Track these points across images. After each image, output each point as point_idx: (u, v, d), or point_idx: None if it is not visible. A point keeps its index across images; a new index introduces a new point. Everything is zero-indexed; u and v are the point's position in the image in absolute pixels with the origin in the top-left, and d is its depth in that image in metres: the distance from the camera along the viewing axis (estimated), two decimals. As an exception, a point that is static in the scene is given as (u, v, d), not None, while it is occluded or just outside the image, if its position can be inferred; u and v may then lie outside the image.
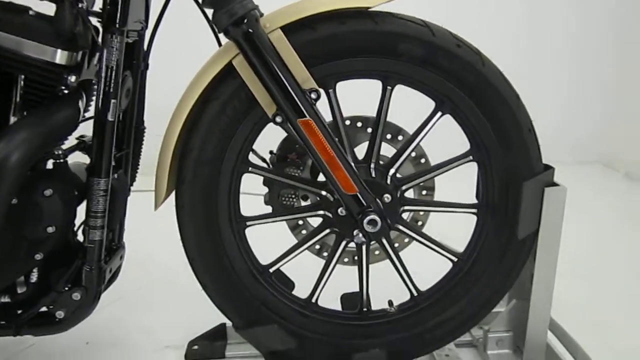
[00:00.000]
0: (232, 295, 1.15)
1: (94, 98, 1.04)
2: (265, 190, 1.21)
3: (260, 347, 1.18)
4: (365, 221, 1.04)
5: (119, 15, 1.00)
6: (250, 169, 1.13)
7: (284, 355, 1.18)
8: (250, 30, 0.98)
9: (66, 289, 1.08)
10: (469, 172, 1.23)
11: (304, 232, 1.23)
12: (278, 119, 1.03)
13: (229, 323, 1.31)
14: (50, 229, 1.02)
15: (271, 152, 1.23)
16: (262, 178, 1.18)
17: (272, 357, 1.19)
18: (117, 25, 1.00)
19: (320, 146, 1.01)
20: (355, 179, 1.04)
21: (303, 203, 1.21)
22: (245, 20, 0.97)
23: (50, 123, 0.97)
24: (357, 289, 1.21)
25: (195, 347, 1.33)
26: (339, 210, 1.11)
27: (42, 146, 0.96)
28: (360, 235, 1.08)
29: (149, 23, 1.15)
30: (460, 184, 1.45)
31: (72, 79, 1.00)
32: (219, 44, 1.14)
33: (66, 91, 1.00)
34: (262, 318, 1.16)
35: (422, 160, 1.20)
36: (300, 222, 1.23)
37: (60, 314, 1.09)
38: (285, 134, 1.16)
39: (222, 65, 1.04)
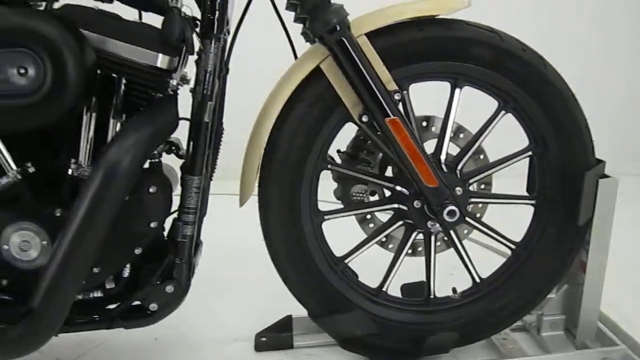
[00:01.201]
0: (312, 286, 1.22)
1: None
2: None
3: (337, 334, 1.25)
4: (445, 212, 1.13)
5: (217, 22, 1.07)
6: (329, 166, 1.20)
7: (359, 341, 1.25)
8: (344, 39, 1.06)
9: (159, 282, 1.14)
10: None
11: (371, 225, 1.31)
12: (364, 119, 1.11)
13: (295, 314, 1.39)
14: (153, 224, 1.08)
15: (339, 151, 1.30)
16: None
17: (346, 344, 1.26)
18: (215, 32, 1.07)
19: (406, 142, 1.10)
20: (435, 173, 1.13)
21: (371, 198, 1.29)
22: (339, 28, 1.05)
23: (156, 125, 1.03)
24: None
25: (264, 338, 1.39)
26: (415, 203, 1.19)
27: (152, 148, 1.03)
28: (437, 225, 1.17)
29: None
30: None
31: (174, 82, 1.06)
32: (294, 52, 1.22)
33: (166, 94, 1.07)
34: (339, 306, 1.23)
35: (481, 157, 1.29)
36: (369, 215, 1.31)
37: (153, 307, 1.14)
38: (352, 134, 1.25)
39: (310, 69, 1.11)
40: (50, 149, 1.15)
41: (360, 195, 1.28)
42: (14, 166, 1.08)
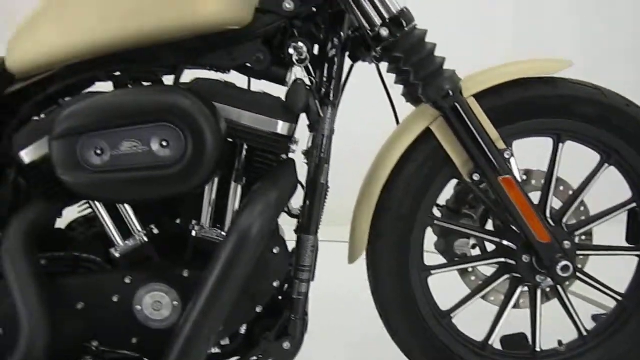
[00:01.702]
0: (421, 340, 1.24)
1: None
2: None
3: (445, 388, 1.26)
4: (558, 267, 1.14)
5: (333, 90, 1.13)
6: (435, 222, 1.24)
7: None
8: (457, 104, 1.10)
9: (276, 339, 1.17)
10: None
11: (472, 277, 1.33)
12: (475, 177, 1.15)
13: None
14: (275, 284, 1.12)
15: (438, 206, 1.33)
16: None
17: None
18: (332, 99, 1.13)
19: (519, 200, 1.12)
20: (547, 229, 1.14)
21: (472, 251, 1.31)
22: (452, 94, 1.10)
23: (282, 189, 1.08)
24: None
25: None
26: (523, 258, 1.20)
27: (280, 211, 1.08)
28: (548, 280, 1.18)
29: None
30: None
31: (294, 147, 1.12)
32: (396, 114, 1.27)
33: (285, 158, 1.12)
34: (447, 360, 1.25)
35: (582, 208, 1.31)
36: (470, 269, 1.33)
37: (271, 363, 1.17)
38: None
39: (420, 131, 1.16)
40: (171, 210, 1.22)
41: (464, 248, 1.30)
42: (140, 228, 1.15)
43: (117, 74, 1.15)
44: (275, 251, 1.11)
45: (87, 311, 1.12)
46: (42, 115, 1.16)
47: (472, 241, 1.30)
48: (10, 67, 1.13)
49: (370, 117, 1.80)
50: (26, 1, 1.16)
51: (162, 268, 1.13)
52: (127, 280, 1.12)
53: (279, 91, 1.15)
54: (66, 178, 1.03)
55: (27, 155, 1.11)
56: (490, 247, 1.30)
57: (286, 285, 1.17)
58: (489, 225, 1.31)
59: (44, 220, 1.15)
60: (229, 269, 1.03)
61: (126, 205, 1.14)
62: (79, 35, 1.08)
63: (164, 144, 1.01)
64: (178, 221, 1.22)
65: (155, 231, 1.16)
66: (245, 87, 1.18)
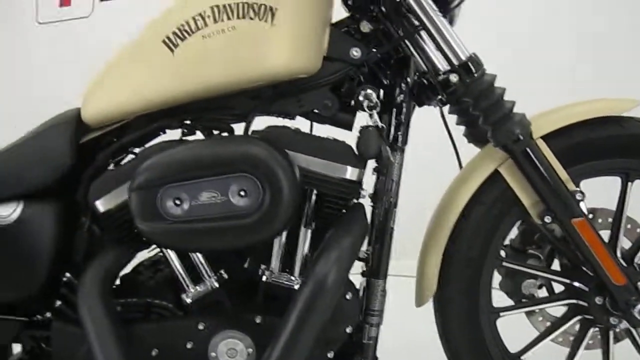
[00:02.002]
0: (495, 385, 1.22)
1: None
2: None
3: None
4: (636, 310, 1.12)
5: (402, 136, 1.14)
6: (503, 263, 1.23)
7: None
8: (528, 148, 1.10)
9: (348, 384, 1.16)
10: None
11: (540, 318, 1.30)
12: (546, 219, 1.14)
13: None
14: (348, 330, 1.12)
15: (503, 246, 1.32)
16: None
17: None
18: (400, 144, 1.14)
19: (594, 242, 1.11)
20: (622, 270, 1.13)
21: (539, 291, 1.29)
22: (522, 138, 1.10)
23: (355, 235, 1.08)
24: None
25: None
26: (596, 299, 1.18)
27: (354, 258, 1.08)
28: (623, 322, 1.16)
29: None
30: None
31: (364, 192, 1.13)
32: (459, 159, 1.28)
33: (355, 203, 1.13)
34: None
35: (647, 247, 1.28)
36: (538, 309, 1.31)
37: (343, 408, 1.17)
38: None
39: (489, 173, 1.16)
40: (239, 255, 1.23)
41: (531, 289, 1.28)
42: (211, 274, 1.16)
43: (187, 122, 1.18)
44: (347, 297, 1.11)
45: (161, 358, 1.13)
46: (115, 165, 1.20)
47: (539, 281, 1.29)
48: (85, 117, 1.17)
49: (427, 155, 1.82)
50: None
51: (235, 314, 1.14)
52: (201, 327, 1.13)
53: (335, 133, 1.17)
54: (145, 228, 1.05)
55: (101, 204, 1.14)
56: (557, 287, 1.28)
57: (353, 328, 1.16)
58: (555, 265, 1.29)
59: (118, 266, 1.18)
60: (307, 316, 1.03)
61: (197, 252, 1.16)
62: (152, 88, 1.11)
63: (242, 193, 1.03)
64: (246, 265, 1.23)
65: (225, 276, 1.18)
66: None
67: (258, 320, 1.12)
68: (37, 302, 1.20)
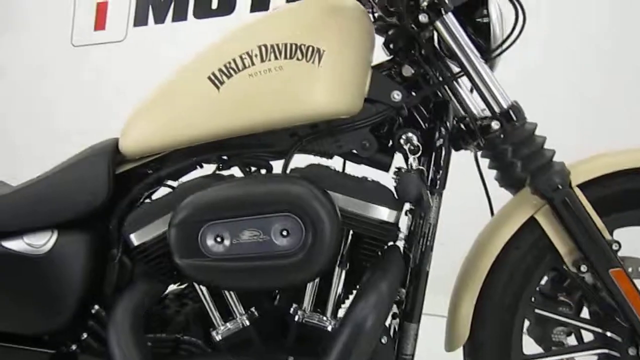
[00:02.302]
0: None
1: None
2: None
3: None
4: None
5: (441, 180, 1.14)
6: (535, 309, 1.22)
7: None
8: (567, 198, 1.11)
9: None
10: None
11: (569, 366, 1.30)
12: (582, 269, 1.14)
13: None
14: None
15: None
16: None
17: None
18: (438, 187, 1.14)
19: (631, 293, 1.11)
20: (658, 322, 1.12)
21: (568, 339, 1.28)
22: (561, 187, 1.10)
23: (393, 278, 1.08)
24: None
25: None
26: (629, 350, 1.18)
27: (392, 303, 1.07)
28: (657, 374, 1.15)
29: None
30: None
31: (401, 234, 1.13)
32: (490, 204, 1.28)
33: (391, 245, 1.13)
34: None
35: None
36: (566, 358, 1.30)
37: None
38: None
39: (525, 220, 1.16)
40: (269, 293, 1.22)
41: (560, 336, 1.28)
42: (242, 311, 1.15)
43: (225, 157, 1.18)
44: (383, 341, 1.10)
45: None
46: (147, 197, 1.20)
47: (568, 328, 1.28)
48: (123, 148, 1.17)
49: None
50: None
51: (267, 354, 1.13)
52: None
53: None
54: (184, 264, 1.04)
55: (136, 238, 1.13)
56: (586, 335, 1.28)
57: None
58: (584, 312, 1.29)
59: (150, 300, 1.16)
60: None
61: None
62: (195, 123, 1.12)
63: (284, 233, 1.02)
64: (276, 303, 1.22)
65: (256, 314, 1.16)
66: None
67: None
68: (64, 334, 1.18)
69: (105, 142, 1.21)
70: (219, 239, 1.03)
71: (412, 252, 1.16)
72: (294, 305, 1.16)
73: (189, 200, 1.05)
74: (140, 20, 3.14)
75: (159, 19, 3.11)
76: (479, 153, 1.26)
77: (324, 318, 1.14)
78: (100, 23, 3.22)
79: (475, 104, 1.14)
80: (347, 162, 1.21)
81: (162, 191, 1.21)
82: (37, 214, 1.13)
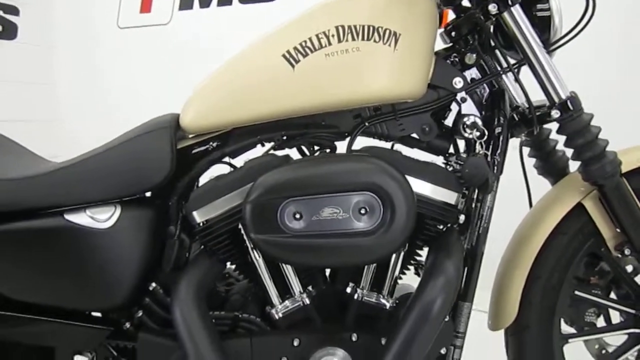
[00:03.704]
0: (560, 410, 1.27)
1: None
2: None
3: None
4: None
5: (499, 165, 1.18)
6: (575, 292, 1.29)
7: None
8: (618, 187, 1.17)
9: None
10: None
11: (596, 346, 1.37)
12: (626, 251, 1.21)
13: None
14: (443, 351, 1.14)
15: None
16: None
17: None
18: (496, 172, 1.18)
19: (671, 275, 1.19)
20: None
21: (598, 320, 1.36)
22: (612, 175, 1.17)
23: (458, 262, 1.10)
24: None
25: None
26: (661, 330, 1.26)
27: (458, 285, 1.10)
28: (687, 352, 1.24)
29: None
30: None
31: (462, 218, 1.17)
32: (529, 193, 1.33)
33: (449, 227, 1.17)
34: None
35: None
36: (596, 337, 1.37)
37: None
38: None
39: (573, 205, 1.22)
40: (325, 273, 1.24)
41: (592, 317, 1.35)
42: (301, 289, 1.16)
43: (287, 136, 1.18)
44: (446, 319, 1.13)
45: None
46: (206, 176, 1.19)
47: (599, 310, 1.35)
48: (185, 123, 1.15)
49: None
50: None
51: (331, 331, 1.14)
52: (296, 343, 1.12)
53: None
54: (260, 240, 1.05)
55: (199, 215, 1.12)
56: (614, 315, 1.35)
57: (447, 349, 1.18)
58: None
59: (211, 277, 1.16)
60: (414, 340, 1.04)
61: (289, 267, 1.16)
62: (266, 100, 1.12)
63: (362, 212, 1.04)
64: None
65: (314, 293, 1.18)
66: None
67: (354, 338, 1.13)
68: (119, 311, 1.16)
69: (164, 117, 1.19)
70: (297, 216, 1.04)
71: (467, 234, 1.20)
72: (351, 285, 1.18)
73: (269, 177, 1.05)
74: (185, 4, 3.10)
75: (204, 3, 3.08)
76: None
77: (382, 297, 1.17)
78: (146, 6, 3.15)
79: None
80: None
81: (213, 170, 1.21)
82: (100, 188, 1.10)
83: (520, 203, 1.36)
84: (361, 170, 1.04)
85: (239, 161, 1.20)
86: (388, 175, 1.04)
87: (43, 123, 3.39)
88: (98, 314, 1.18)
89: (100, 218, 1.09)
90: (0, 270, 1.07)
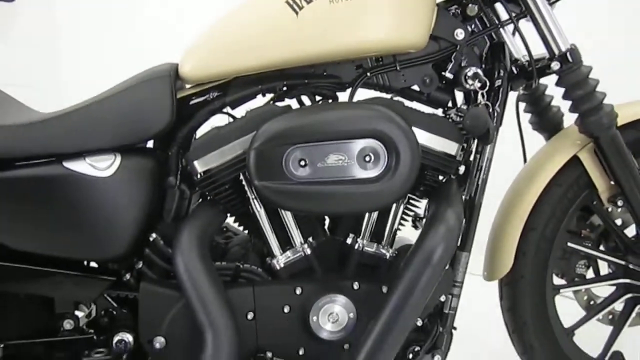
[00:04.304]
0: (551, 357, 1.31)
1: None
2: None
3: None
4: None
5: (499, 117, 1.19)
6: (568, 243, 1.32)
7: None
8: (612, 138, 1.20)
9: (427, 353, 1.20)
10: None
11: (585, 297, 1.41)
12: (619, 203, 1.24)
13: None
14: (442, 298, 1.16)
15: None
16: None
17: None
18: (496, 124, 1.19)
19: (662, 225, 1.23)
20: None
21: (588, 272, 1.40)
22: (609, 129, 1.19)
23: (458, 212, 1.10)
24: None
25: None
26: (650, 279, 1.30)
27: (459, 234, 1.12)
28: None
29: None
30: None
31: (462, 169, 1.18)
32: (524, 149, 1.34)
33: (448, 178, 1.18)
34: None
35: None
36: (584, 289, 1.41)
37: (421, 377, 1.21)
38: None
39: (567, 159, 1.24)
40: (324, 224, 1.25)
41: (581, 269, 1.39)
42: (302, 240, 1.17)
43: (287, 87, 1.17)
44: (446, 267, 1.15)
45: (256, 321, 1.12)
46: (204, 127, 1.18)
47: (589, 262, 1.39)
48: (184, 72, 1.14)
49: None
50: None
51: (333, 280, 1.15)
52: (298, 291, 1.13)
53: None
54: (264, 187, 1.04)
55: (200, 164, 1.11)
56: (603, 268, 1.39)
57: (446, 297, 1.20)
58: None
59: (213, 228, 1.15)
60: (415, 288, 1.05)
61: (289, 217, 1.16)
62: (268, 48, 1.10)
63: (367, 159, 1.04)
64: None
65: (314, 244, 1.18)
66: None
67: (356, 286, 1.14)
68: (119, 261, 1.15)
69: (162, 67, 1.17)
70: (302, 163, 1.04)
71: (466, 185, 1.21)
72: (351, 236, 1.19)
73: (274, 124, 1.04)
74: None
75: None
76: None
77: (382, 247, 1.18)
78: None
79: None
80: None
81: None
82: (98, 136, 1.08)
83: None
84: (366, 117, 1.04)
85: (238, 112, 1.19)
86: (393, 122, 1.04)
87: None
88: (97, 267, 1.16)
89: (100, 166, 1.07)
90: (1, 219, 1.05)
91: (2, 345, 1.12)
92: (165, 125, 1.11)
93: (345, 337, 1.13)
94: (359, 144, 1.04)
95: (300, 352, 1.14)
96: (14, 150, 1.04)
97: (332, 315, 1.12)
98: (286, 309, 1.13)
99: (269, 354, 1.11)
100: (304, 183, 1.04)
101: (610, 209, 1.30)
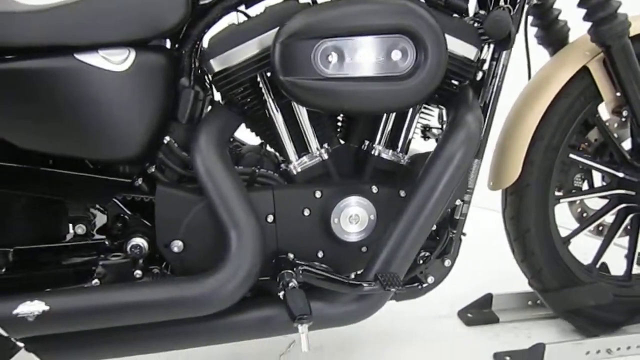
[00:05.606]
0: (550, 262, 1.36)
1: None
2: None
3: (566, 305, 1.39)
4: None
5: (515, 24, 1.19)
6: (570, 154, 1.35)
7: (581, 312, 1.40)
8: (624, 46, 1.21)
9: (438, 257, 1.23)
10: None
11: (579, 209, 1.47)
12: (624, 113, 1.28)
13: (495, 292, 1.54)
14: (457, 202, 1.18)
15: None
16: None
17: (569, 314, 1.41)
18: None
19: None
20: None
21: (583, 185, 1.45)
22: (621, 36, 1.21)
23: (478, 117, 1.12)
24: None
25: (470, 315, 1.52)
26: (642, 189, 1.36)
27: (479, 139, 1.12)
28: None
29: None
30: None
31: (479, 75, 1.18)
32: (529, 65, 1.35)
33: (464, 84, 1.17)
34: (570, 281, 1.38)
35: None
36: (578, 201, 1.47)
37: (431, 279, 1.23)
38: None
39: (577, 69, 1.26)
40: (337, 129, 1.23)
41: (578, 182, 1.44)
42: (318, 146, 1.15)
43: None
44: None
45: (276, 224, 1.11)
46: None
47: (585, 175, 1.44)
48: None
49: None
50: None
51: (352, 183, 1.15)
52: (318, 195, 1.12)
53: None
54: (290, 82, 1.01)
55: (217, 63, 1.07)
56: (597, 179, 1.45)
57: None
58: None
59: (230, 129, 1.12)
60: (435, 190, 1.06)
61: (306, 122, 1.14)
62: None
63: (396, 56, 1.02)
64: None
65: (330, 149, 1.17)
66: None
67: (374, 190, 1.14)
68: (132, 163, 1.11)
69: None
70: (330, 58, 1.01)
71: (481, 92, 1.21)
72: (367, 142, 1.19)
73: (300, 17, 1.00)
74: None
75: None
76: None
77: (397, 152, 1.19)
78: None
79: None
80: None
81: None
82: (112, 28, 1.01)
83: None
84: (396, 12, 1.02)
85: (253, 11, 1.14)
86: (423, 19, 1.02)
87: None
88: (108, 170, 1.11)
89: (114, 60, 1.00)
90: (7, 114, 0.98)
91: (12, 250, 1.07)
92: (181, 19, 1.04)
93: (364, 239, 1.14)
94: (389, 40, 1.02)
95: (319, 255, 1.14)
96: (20, 39, 0.97)
97: (353, 217, 1.12)
98: (306, 212, 1.12)
99: (291, 255, 1.10)
100: (332, 79, 1.01)
101: (607, 124, 1.34)
